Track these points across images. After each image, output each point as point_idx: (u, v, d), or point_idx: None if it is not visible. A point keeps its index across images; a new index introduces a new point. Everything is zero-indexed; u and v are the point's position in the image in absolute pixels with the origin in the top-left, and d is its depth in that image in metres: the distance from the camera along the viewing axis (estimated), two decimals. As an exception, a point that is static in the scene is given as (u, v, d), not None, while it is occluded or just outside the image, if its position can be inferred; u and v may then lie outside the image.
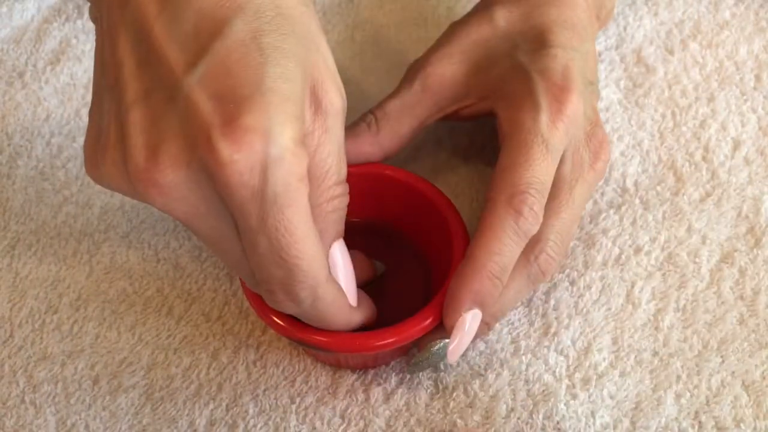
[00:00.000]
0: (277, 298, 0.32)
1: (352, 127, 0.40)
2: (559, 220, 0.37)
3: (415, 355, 0.37)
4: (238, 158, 0.28)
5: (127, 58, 0.30)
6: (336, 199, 0.33)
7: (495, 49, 0.40)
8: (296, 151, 0.29)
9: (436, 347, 0.36)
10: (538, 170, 0.36)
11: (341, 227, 0.34)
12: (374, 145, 0.40)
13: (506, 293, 0.37)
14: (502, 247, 0.35)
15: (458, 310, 0.35)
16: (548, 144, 0.36)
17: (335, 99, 0.32)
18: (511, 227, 0.35)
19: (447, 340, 0.36)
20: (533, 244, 0.37)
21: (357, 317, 0.35)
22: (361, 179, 0.39)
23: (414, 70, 0.41)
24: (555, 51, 0.38)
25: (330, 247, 0.34)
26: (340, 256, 0.34)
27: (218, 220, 0.30)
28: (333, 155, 0.32)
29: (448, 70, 0.40)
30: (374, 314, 0.36)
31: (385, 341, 0.34)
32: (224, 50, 0.29)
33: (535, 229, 0.36)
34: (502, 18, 0.40)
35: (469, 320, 0.35)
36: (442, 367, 0.38)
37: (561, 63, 0.38)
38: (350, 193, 0.34)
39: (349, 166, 0.39)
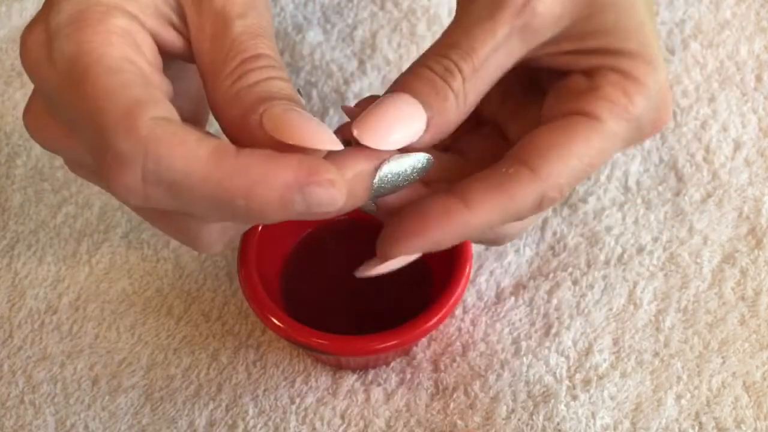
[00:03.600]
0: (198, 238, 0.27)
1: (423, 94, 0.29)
2: (581, 166, 0.30)
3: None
4: None
5: None
6: (251, 73, 0.26)
7: None
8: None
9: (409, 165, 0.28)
10: (603, 157, 0.29)
11: (287, 94, 0.27)
12: (460, 111, 0.29)
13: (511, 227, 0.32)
14: (513, 211, 0.29)
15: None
16: (635, 132, 0.30)
17: None
18: (533, 206, 0.29)
19: (424, 157, 0.28)
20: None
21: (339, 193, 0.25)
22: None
23: None
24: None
25: (277, 105, 0.26)
26: (292, 111, 0.26)
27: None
28: (235, 38, 0.27)
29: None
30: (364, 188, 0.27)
31: (387, 344, 0.34)
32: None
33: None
34: None
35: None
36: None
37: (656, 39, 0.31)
38: None
39: None
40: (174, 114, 0.25)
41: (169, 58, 0.28)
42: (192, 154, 0.24)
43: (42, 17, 0.27)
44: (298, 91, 0.28)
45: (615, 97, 0.29)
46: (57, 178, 0.45)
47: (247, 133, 0.25)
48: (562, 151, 0.29)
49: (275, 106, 0.26)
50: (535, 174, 0.29)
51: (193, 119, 0.30)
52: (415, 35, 0.50)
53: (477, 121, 0.33)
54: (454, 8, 0.30)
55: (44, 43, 0.26)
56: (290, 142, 0.25)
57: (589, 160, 0.29)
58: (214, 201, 0.24)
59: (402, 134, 0.28)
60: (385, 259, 0.29)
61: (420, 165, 0.28)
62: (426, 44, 0.43)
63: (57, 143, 0.28)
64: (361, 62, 0.49)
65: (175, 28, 0.28)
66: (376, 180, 0.27)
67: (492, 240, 0.33)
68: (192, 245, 0.29)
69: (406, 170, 0.28)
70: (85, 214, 0.44)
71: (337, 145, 0.25)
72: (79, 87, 0.25)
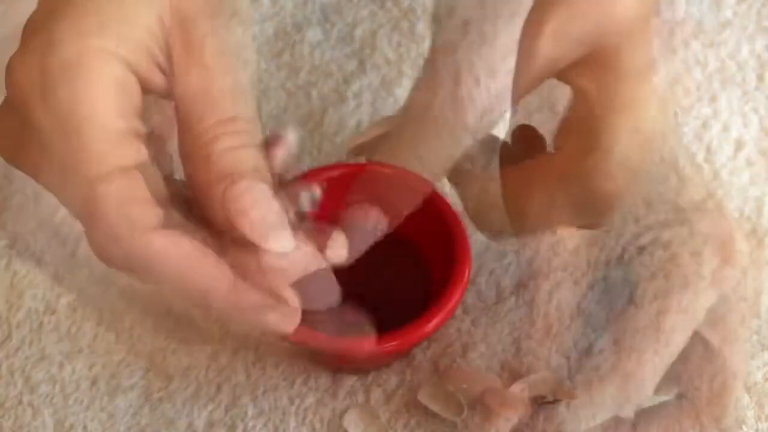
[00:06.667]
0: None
1: None
2: None
3: None
4: None
5: None
6: (224, 137, 0.28)
7: None
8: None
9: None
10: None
11: (254, 164, 0.28)
12: None
13: None
14: None
15: None
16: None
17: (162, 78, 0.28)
18: None
19: None
20: None
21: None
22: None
23: None
24: None
25: (238, 186, 0.27)
26: (251, 194, 0.27)
27: None
28: (216, 95, 0.28)
29: None
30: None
31: (386, 345, 0.34)
32: None
33: None
34: None
35: None
36: None
37: None
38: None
39: (348, 165, 0.39)
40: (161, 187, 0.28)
41: (146, 93, 0.29)
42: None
43: (36, 49, 0.27)
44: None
45: None
46: (56, 177, 0.45)
47: (209, 200, 0.28)
48: None
49: (238, 184, 0.27)
50: None
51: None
52: (415, 34, 0.50)
53: None
54: (454, 8, 0.30)
55: (38, 83, 0.27)
56: (245, 234, 0.27)
57: None
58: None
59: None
60: None
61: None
62: (426, 43, 0.42)
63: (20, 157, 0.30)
64: (361, 62, 0.49)
65: (160, 68, 0.28)
66: None
67: None
68: None
69: None
70: (84, 214, 0.44)
71: (289, 245, 0.27)
72: (71, 140, 0.27)
